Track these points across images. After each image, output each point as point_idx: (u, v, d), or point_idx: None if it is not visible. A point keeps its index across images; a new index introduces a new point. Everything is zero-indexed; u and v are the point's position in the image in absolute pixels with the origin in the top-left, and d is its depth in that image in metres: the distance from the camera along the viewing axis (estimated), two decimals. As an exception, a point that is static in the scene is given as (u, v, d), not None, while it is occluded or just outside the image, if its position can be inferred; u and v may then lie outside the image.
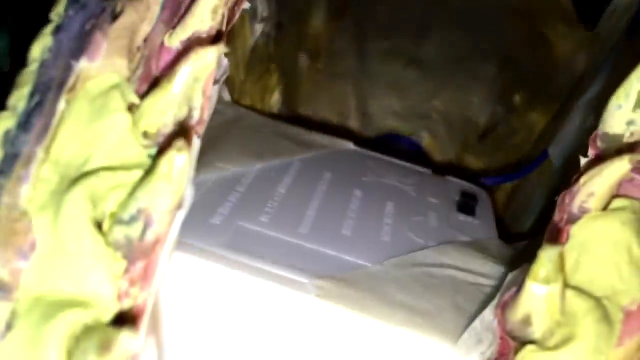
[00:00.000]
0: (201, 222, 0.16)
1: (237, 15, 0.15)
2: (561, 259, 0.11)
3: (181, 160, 0.10)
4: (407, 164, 0.24)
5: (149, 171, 0.11)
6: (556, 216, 0.14)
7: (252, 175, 0.19)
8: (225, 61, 0.14)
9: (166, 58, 0.14)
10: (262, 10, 0.27)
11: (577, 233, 0.13)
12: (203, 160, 0.19)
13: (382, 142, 0.32)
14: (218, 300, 0.14)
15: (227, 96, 0.24)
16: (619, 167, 0.12)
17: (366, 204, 0.19)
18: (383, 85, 0.36)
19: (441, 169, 0.24)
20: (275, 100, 0.28)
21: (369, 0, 0.42)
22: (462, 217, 0.21)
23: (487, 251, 0.19)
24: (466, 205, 0.21)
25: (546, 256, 0.11)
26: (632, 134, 0.13)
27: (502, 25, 0.43)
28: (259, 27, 0.27)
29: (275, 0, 0.31)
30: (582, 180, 0.13)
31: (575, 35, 0.41)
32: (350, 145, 0.24)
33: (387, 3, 0.42)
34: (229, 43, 0.21)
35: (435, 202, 0.21)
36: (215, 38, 0.14)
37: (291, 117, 0.30)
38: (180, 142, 0.10)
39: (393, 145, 0.32)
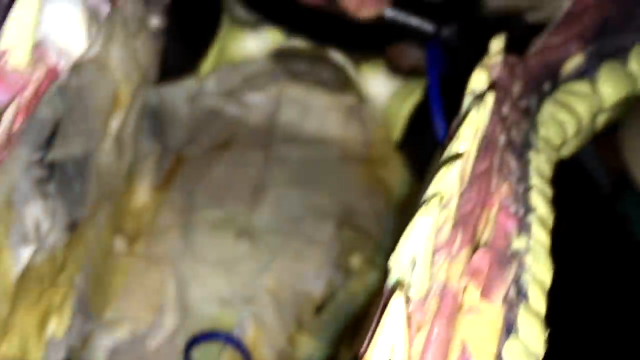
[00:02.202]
0: None
1: None
2: None
3: None
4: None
5: None
6: None
7: None
8: None
9: None
10: (35, 228, 0.25)
11: None
12: None
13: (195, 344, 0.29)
14: None
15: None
16: None
17: None
18: (209, 265, 0.34)
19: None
20: (59, 325, 0.25)
21: (200, 163, 0.40)
22: None
23: None
24: None
25: None
26: None
27: (341, 175, 0.42)
28: (27, 252, 0.24)
29: (68, 199, 0.29)
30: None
31: (409, 183, 0.41)
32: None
33: (220, 165, 0.41)
34: None
35: None
36: None
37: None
38: None
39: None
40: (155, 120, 0.40)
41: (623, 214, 0.48)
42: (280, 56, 0.42)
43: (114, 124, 0.32)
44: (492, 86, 0.20)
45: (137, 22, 0.34)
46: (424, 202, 0.14)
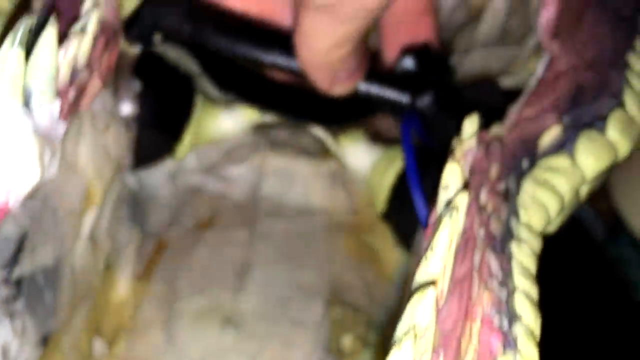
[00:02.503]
0: None
1: None
2: None
3: None
4: None
5: None
6: None
7: None
8: None
9: None
10: (3, 353, 0.23)
11: None
12: None
13: None
14: None
15: None
16: None
17: None
18: (194, 361, 0.33)
19: None
20: None
21: (182, 247, 0.39)
22: None
23: None
24: None
25: None
26: None
27: (329, 246, 0.41)
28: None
29: (39, 313, 0.27)
30: None
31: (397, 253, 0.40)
32: None
33: (203, 247, 0.39)
34: None
35: None
36: None
37: None
38: None
39: None
40: (135, 206, 0.39)
41: (617, 257, 0.47)
42: (259, 128, 0.42)
43: (87, 222, 0.31)
44: (466, 185, 0.20)
45: (106, 115, 0.33)
46: (397, 340, 0.13)
